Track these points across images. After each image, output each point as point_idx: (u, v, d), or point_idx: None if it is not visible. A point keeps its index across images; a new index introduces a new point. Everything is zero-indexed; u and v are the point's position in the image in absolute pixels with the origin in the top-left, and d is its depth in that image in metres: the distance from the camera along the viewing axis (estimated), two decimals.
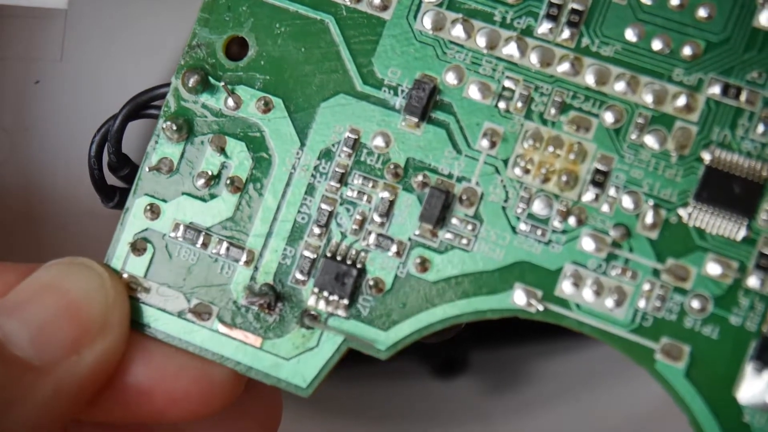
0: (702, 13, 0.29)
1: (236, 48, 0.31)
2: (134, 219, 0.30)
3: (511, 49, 0.29)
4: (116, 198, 0.33)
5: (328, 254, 0.29)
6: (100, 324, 0.28)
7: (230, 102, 0.30)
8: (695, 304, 0.28)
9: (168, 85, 0.31)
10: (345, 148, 0.30)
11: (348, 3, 0.30)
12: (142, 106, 0.32)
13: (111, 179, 0.33)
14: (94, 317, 0.28)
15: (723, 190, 0.28)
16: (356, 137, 0.30)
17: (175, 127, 0.30)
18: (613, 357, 0.45)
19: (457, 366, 0.49)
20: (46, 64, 0.36)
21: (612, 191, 0.28)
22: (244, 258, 0.30)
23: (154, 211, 0.30)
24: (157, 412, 0.29)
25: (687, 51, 0.29)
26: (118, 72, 0.37)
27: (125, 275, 0.30)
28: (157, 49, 0.36)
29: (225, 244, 0.30)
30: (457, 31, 0.30)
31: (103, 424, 0.30)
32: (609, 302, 0.28)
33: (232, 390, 0.29)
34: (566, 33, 0.29)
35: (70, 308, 0.28)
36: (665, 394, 0.44)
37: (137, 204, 0.30)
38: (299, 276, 0.29)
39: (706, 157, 0.28)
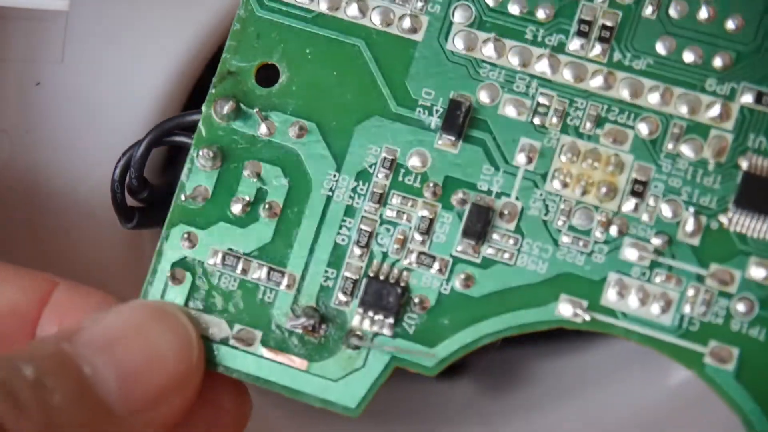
0: (731, 25, 0.32)
1: (267, 74, 0.34)
2: (171, 248, 0.33)
3: (543, 66, 0.33)
4: (135, 219, 0.35)
5: (371, 274, 0.32)
6: (183, 381, 0.30)
7: (263, 128, 0.33)
8: (741, 307, 0.31)
9: (196, 112, 0.34)
10: (382, 169, 0.32)
11: (378, 27, 0.33)
12: (168, 133, 0.34)
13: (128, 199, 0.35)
14: (178, 373, 0.30)
15: (762, 194, 0.31)
16: (393, 158, 0.32)
17: (210, 154, 0.33)
18: (614, 358, 0.48)
19: (457, 367, 0.51)
20: (46, 65, 0.39)
21: (651, 201, 0.31)
22: (285, 282, 0.32)
23: (191, 240, 0.33)
24: None
25: (718, 62, 0.32)
26: (120, 74, 0.39)
27: (175, 304, 0.32)
28: (159, 51, 0.39)
29: (265, 269, 0.32)
30: (489, 51, 0.33)
31: None
32: (655, 309, 0.31)
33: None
34: (598, 49, 0.32)
35: (160, 359, 0.30)
36: (665, 394, 0.46)
37: (173, 233, 0.33)
38: (342, 297, 0.32)
39: (743, 163, 0.31)
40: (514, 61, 0.33)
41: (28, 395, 0.28)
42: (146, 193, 0.36)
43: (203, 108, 0.34)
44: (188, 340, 0.31)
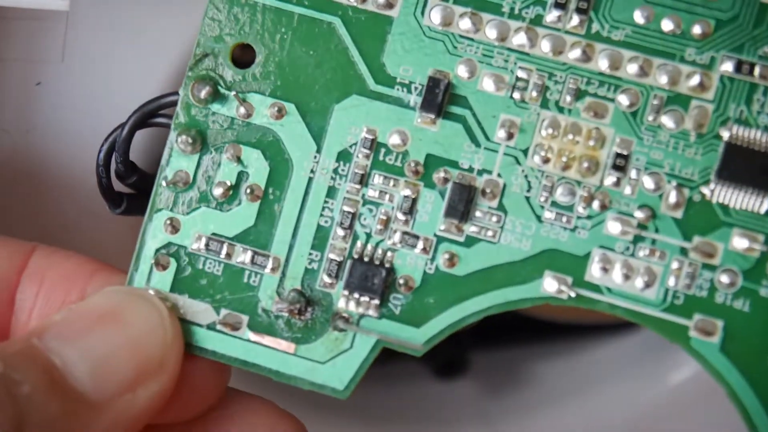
0: None
1: (243, 55, 0.34)
2: (154, 234, 0.33)
3: (521, 40, 0.33)
4: (123, 205, 0.36)
5: (355, 256, 0.32)
6: (157, 363, 0.31)
7: (242, 110, 0.33)
8: (724, 279, 0.31)
9: (175, 93, 0.34)
10: (363, 149, 0.33)
11: (354, 3, 0.33)
12: (150, 115, 0.35)
13: (117, 186, 0.36)
14: (152, 355, 0.31)
15: (743, 165, 0.31)
16: (373, 137, 0.33)
17: (189, 140, 0.33)
18: (614, 358, 0.49)
19: (458, 367, 0.52)
20: (47, 65, 0.39)
21: (633, 174, 0.32)
22: (270, 265, 0.32)
23: (174, 226, 0.33)
24: None
25: (697, 30, 0.32)
26: (120, 73, 0.39)
27: (151, 291, 0.32)
28: (160, 50, 0.39)
29: (249, 253, 0.33)
30: (466, 25, 0.33)
31: None
32: (639, 283, 0.31)
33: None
34: (575, 20, 0.32)
35: (131, 343, 0.30)
36: (665, 395, 0.47)
37: (156, 219, 0.33)
38: (327, 279, 0.32)
39: (725, 134, 0.31)
40: (491, 35, 0.33)
41: None
42: (135, 178, 0.36)
43: (180, 91, 0.34)
44: (159, 320, 0.31)
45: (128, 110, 0.38)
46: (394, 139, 0.33)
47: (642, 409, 0.48)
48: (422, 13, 0.33)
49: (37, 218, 0.41)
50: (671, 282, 0.32)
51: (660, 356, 0.48)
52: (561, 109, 0.33)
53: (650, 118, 0.32)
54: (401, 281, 0.33)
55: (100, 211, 0.37)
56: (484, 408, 0.50)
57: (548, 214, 0.32)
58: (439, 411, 0.50)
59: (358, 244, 0.33)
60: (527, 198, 0.33)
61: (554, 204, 0.32)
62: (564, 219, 0.32)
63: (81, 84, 0.40)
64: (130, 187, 0.36)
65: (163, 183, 0.34)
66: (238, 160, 0.33)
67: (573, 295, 0.32)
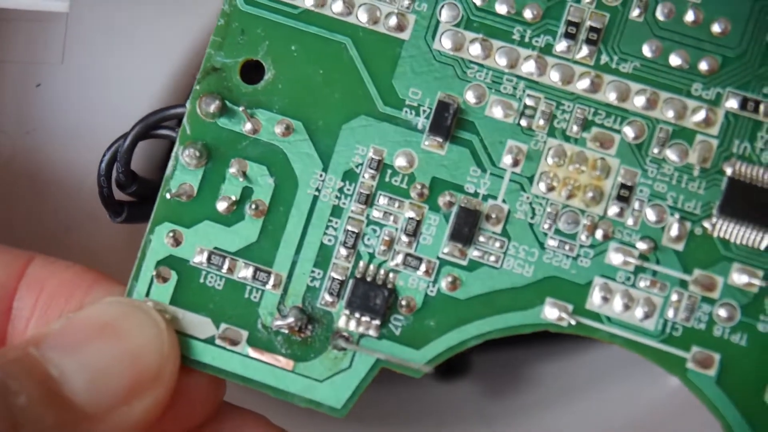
0: (717, 28, 0.33)
1: (253, 71, 0.35)
2: (156, 246, 0.34)
3: (530, 68, 0.34)
4: (124, 213, 0.36)
5: (357, 275, 0.33)
6: (153, 375, 0.31)
7: (249, 126, 0.34)
8: (723, 313, 0.32)
9: (180, 105, 0.34)
10: (369, 170, 0.33)
11: (365, 24, 0.34)
12: (153, 127, 0.35)
13: (117, 194, 0.36)
14: (149, 368, 0.31)
15: (745, 201, 0.32)
16: (380, 158, 0.33)
17: (196, 153, 0.34)
18: (615, 359, 0.49)
19: (459, 368, 0.52)
20: (47, 67, 0.40)
21: (637, 205, 0.33)
22: (271, 282, 0.33)
23: (176, 238, 0.34)
24: None
25: (704, 66, 0.33)
26: (120, 75, 0.40)
27: (149, 302, 0.33)
28: (159, 52, 0.40)
29: (251, 269, 0.33)
30: (476, 51, 0.34)
31: None
32: (639, 314, 0.32)
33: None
34: (585, 51, 0.33)
35: (128, 355, 0.31)
36: (666, 395, 0.48)
37: (158, 231, 0.34)
38: (328, 298, 0.33)
39: (728, 169, 0.33)
40: (501, 61, 0.34)
41: None
42: (135, 187, 0.37)
43: (188, 104, 0.35)
44: (157, 333, 0.32)
45: (127, 112, 0.38)
46: (401, 161, 0.34)
47: (642, 410, 0.49)
48: (433, 37, 0.34)
49: (35, 219, 0.41)
50: (670, 314, 0.33)
51: None
52: (567, 138, 0.34)
53: (655, 151, 0.33)
54: (403, 302, 0.33)
55: (98, 213, 0.38)
56: (485, 408, 0.50)
57: (551, 242, 0.33)
58: (439, 411, 0.51)
59: (361, 264, 0.34)
60: (531, 225, 0.33)
61: (557, 232, 0.33)
62: (567, 247, 0.33)
63: (81, 85, 0.40)
64: (130, 195, 0.37)
65: (167, 195, 0.34)
66: (244, 175, 0.34)
67: (573, 322, 0.33)
